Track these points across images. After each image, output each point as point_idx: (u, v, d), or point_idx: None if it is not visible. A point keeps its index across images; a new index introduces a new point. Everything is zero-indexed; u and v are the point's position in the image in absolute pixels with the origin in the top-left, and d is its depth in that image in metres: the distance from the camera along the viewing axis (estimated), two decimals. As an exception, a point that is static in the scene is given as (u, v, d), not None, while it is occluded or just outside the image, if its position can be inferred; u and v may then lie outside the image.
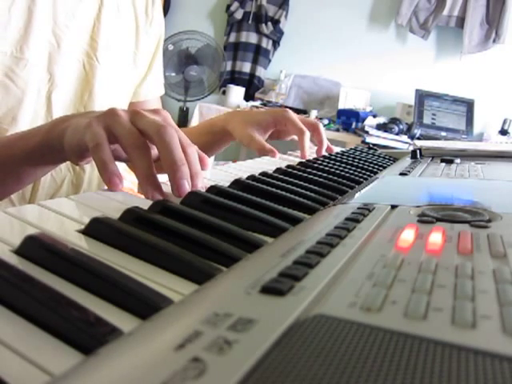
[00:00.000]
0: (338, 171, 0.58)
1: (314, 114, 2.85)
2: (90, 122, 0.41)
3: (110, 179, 0.38)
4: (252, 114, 0.78)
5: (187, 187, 0.38)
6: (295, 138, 0.75)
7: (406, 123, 2.52)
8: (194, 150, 0.42)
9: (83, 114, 0.45)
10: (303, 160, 0.65)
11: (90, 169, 0.70)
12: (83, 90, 0.67)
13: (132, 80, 0.75)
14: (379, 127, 2.47)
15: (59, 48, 0.62)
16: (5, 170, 0.50)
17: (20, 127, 0.59)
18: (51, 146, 0.45)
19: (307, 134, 0.71)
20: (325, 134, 0.76)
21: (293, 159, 0.71)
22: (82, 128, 0.41)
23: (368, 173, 0.62)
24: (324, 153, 0.75)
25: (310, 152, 0.74)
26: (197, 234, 0.29)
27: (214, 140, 0.80)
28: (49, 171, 0.58)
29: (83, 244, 0.27)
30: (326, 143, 0.76)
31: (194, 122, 2.81)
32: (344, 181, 0.53)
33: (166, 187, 0.40)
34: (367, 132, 2.42)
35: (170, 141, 0.39)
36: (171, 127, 0.40)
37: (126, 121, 0.40)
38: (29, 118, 0.61)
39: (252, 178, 0.48)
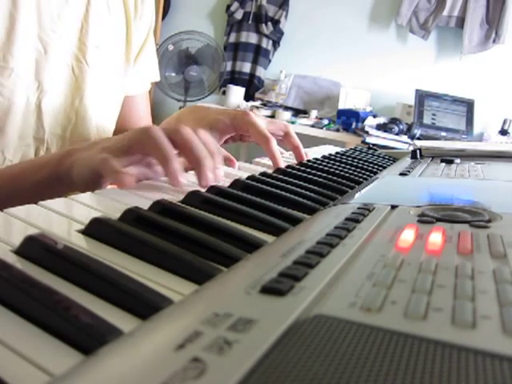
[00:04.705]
0: (337, 171, 0.57)
1: (314, 113, 2.85)
2: (104, 159, 0.41)
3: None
4: (208, 112, 0.65)
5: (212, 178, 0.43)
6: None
7: (406, 123, 2.52)
8: None
9: (88, 147, 0.46)
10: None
11: None
12: (74, 96, 0.65)
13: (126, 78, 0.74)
14: (379, 127, 2.47)
15: (46, 54, 0.60)
16: (12, 201, 0.49)
17: (9, 137, 0.58)
18: (60, 179, 0.46)
19: (273, 142, 0.60)
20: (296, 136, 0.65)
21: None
22: (95, 161, 0.42)
23: (368, 173, 0.62)
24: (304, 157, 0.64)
25: (286, 158, 0.66)
26: (197, 234, 0.29)
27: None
28: None
29: (83, 244, 0.27)
30: (301, 146, 0.65)
31: (194, 122, 2.80)
32: (344, 181, 0.53)
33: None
34: (367, 132, 2.42)
35: (189, 139, 0.42)
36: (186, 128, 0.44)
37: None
38: (17, 128, 0.59)
39: (252, 178, 0.48)
